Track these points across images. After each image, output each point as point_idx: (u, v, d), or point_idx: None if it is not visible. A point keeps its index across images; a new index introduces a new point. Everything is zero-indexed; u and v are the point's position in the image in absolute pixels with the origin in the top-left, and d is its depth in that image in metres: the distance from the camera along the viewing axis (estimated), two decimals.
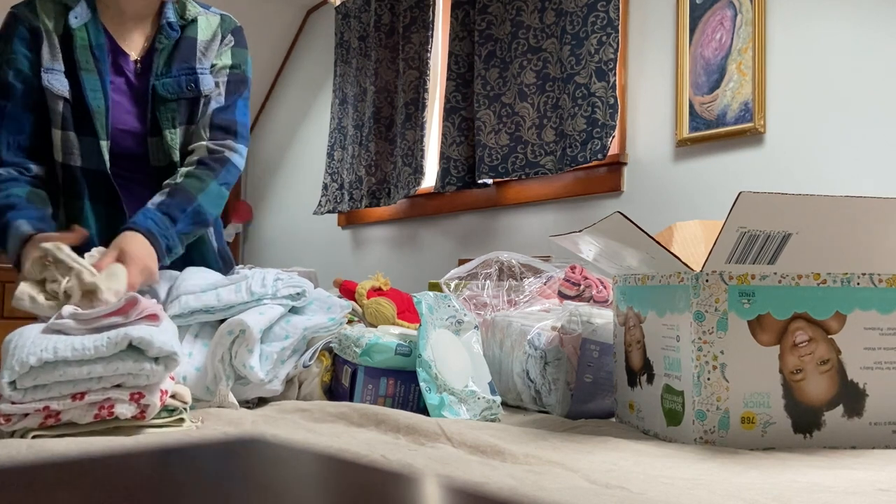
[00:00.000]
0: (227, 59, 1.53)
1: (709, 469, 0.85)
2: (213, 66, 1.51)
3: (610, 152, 2.63)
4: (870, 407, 1.02)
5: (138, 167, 1.46)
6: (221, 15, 1.56)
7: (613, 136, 2.62)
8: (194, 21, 1.51)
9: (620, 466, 0.85)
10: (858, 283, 1.03)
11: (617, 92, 2.61)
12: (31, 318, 1.13)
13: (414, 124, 3.45)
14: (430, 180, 3.46)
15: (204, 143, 1.48)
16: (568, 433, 1.06)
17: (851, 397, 1.02)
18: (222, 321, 1.19)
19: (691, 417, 0.99)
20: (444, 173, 3.20)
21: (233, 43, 1.54)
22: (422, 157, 3.40)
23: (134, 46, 1.48)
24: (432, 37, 3.47)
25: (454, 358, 1.19)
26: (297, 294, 1.28)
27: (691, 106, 2.47)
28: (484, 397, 1.16)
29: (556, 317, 1.33)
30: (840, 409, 1.01)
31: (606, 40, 2.63)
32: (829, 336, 1.01)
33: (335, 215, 4.08)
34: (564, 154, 2.75)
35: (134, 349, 0.92)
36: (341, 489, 0.34)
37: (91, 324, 0.95)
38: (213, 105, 1.50)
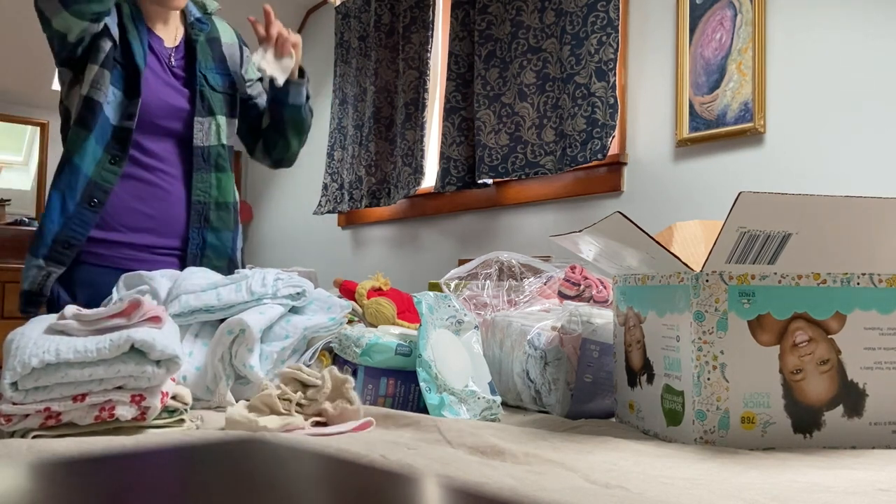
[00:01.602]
0: (254, 72, 1.75)
1: (708, 469, 0.85)
2: (250, 79, 1.75)
3: (610, 152, 2.63)
4: (870, 407, 1.02)
5: (181, 145, 1.63)
6: (228, 24, 1.77)
7: (613, 136, 2.62)
8: (211, 20, 1.71)
9: (620, 466, 0.85)
10: (858, 283, 1.03)
11: (617, 92, 2.61)
12: (26, 320, 1.13)
13: (414, 124, 3.45)
14: (430, 180, 3.46)
15: None
16: (568, 433, 1.06)
17: (851, 397, 1.02)
18: (223, 321, 1.19)
19: (691, 417, 1.00)
20: (444, 173, 3.20)
21: (249, 58, 1.75)
22: (422, 157, 3.40)
23: (165, 36, 1.64)
24: (432, 37, 3.47)
25: (454, 358, 1.20)
26: (298, 294, 1.28)
27: (691, 106, 2.47)
28: (484, 397, 1.16)
29: (556, 317, 1.33)
30: (840, 409, 1.01)
31: (606, 40, 2.63)
32: (829, 336, 1.01)
33: (335, 215, 4.08)
34: (564, 154, 2.75)
35: (136, 352, 0.92)
36: (341, 489, 0.34)
37: (93, 325, 0.95)
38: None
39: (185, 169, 1.64)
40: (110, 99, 1.54)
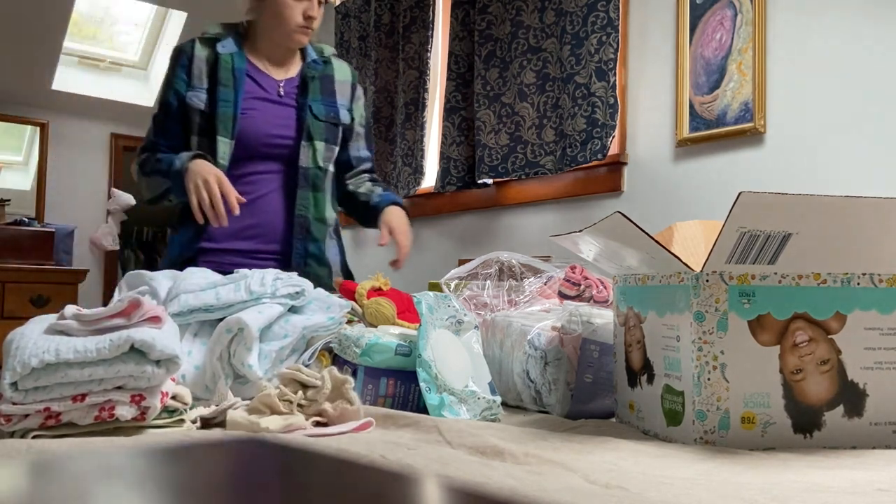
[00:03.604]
0: (360, 112, 2.00)
1: (708, 469, 0.85)
2: (352, 118, 1.97)
3: (610, 152, 2.63)
4: (870, 407, 1.02)
5: (286, 164, 1.85)
6: (348, 65, 2.02)
7: (613, 136, 2.62)
8: (329, 61, 1.96)
9: (620, 466, 0.85)
10: (858, 283, 1.03)
11: (617, 92, 2.61)
12: (25, 320, 1.13)
13: (414, 124, 3.45)
14: (430, 180, 3.46)
15: (366, 173, 2.04)
16: (568, 433, 1.06)
17: (852, 397, 1.02)
18: (222, 320, 1.19)
19: (691, 417, 0.99)
20: (444, 173, 3.20)
21: (362, 98, 2.01)
22: (422, 157, 3.40)
23: (276, 73, 1.89)
24: (432, 37, 3.47)
25: (454, 358, 1.19)
26: (297, 293, 1.28)
27: (691, 106, 2.47)
28: (484, 397, 1.16)
29: (556, 317, 1.33)
30: (840, 409, 1.01)
31: (606, 40, 2.63)
32: (830, 336, 1.01)
33: None
34: (564, 154, 2.75)
35: (136, 352, 0.92)
36: (341, 489, 0.34)
37: (93, 325, 0.95)
38: (363, 153, 2.01)
39: (287, 183, 1.85)
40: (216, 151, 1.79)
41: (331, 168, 1.93)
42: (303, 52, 1.94)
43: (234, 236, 1.81)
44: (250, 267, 1.65)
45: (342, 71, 1.98)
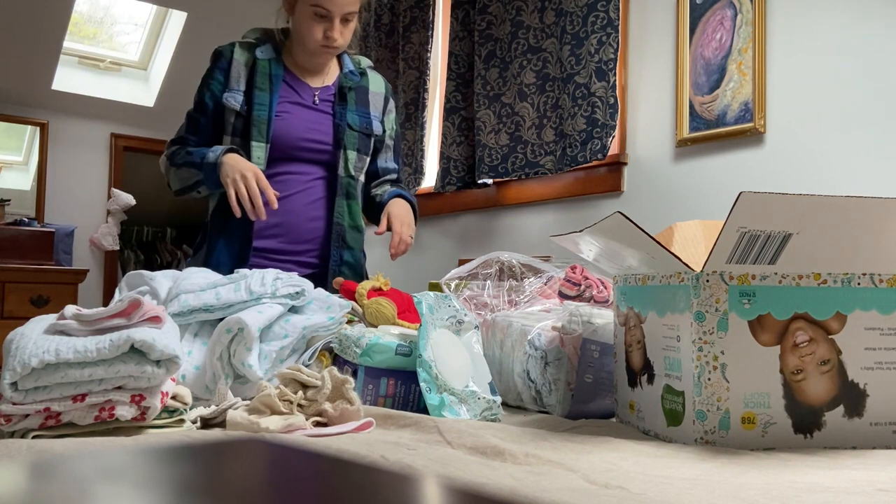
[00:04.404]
0: (391, 125, 2.03)
1: (708, 469, 0.85)
2: (383, 129, 2.00)
3: (610, 152, 2.63)
4: (870, 407, 1.02)
5: (324, 169, 1.89)
6: (382, 77, 2.05)
7: (613, 136, 2.62)
8: (365, 73, 1.99)
9: (620, 466, 0.85)
10: (859, 284, 1.03)
11: (617, 92, 2.61)
12: (25, 320, 1.13)
13: (414, 124, 3.45)
14: (430, 180, 3.46)
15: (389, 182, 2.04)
16: (568, 433, 1.06)
17: (852, 397, 1.02)
18: (221, 320, 1.19)
19: (692, 418, 0.99)
20: (444, 173, 3.20)
21: (393, 111, 2.05)
22: (422, 157, 3.40)
23: (312, 81, 1.92)
24: (432, 37, 3.47)
25: (454, 358, 1.19)
26: (297, 293, 1.28)
27: (691, 106, 2.47)
28: (484, 397, 1.16)
29: (557, 317, 1.33)
30: (840, 409, 1.01)
31: (606, 40, 2.63)
32: (830, 336, 1.01)
33: None
34: (564, 154, 2.75)
35: (136, 352, 0.92)
36: (341, 489, 0.34)
37: (93, 325, 0.95)
38: (390, 164, 2.03)
39: (327, 189, 1.88)
40: (250, 154, 1.81)
41: (361, 178, 1.96)
42: (340, 61, 1.97)
43: (256, 234, 1.82)
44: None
45: (377, 83, 2.00)
